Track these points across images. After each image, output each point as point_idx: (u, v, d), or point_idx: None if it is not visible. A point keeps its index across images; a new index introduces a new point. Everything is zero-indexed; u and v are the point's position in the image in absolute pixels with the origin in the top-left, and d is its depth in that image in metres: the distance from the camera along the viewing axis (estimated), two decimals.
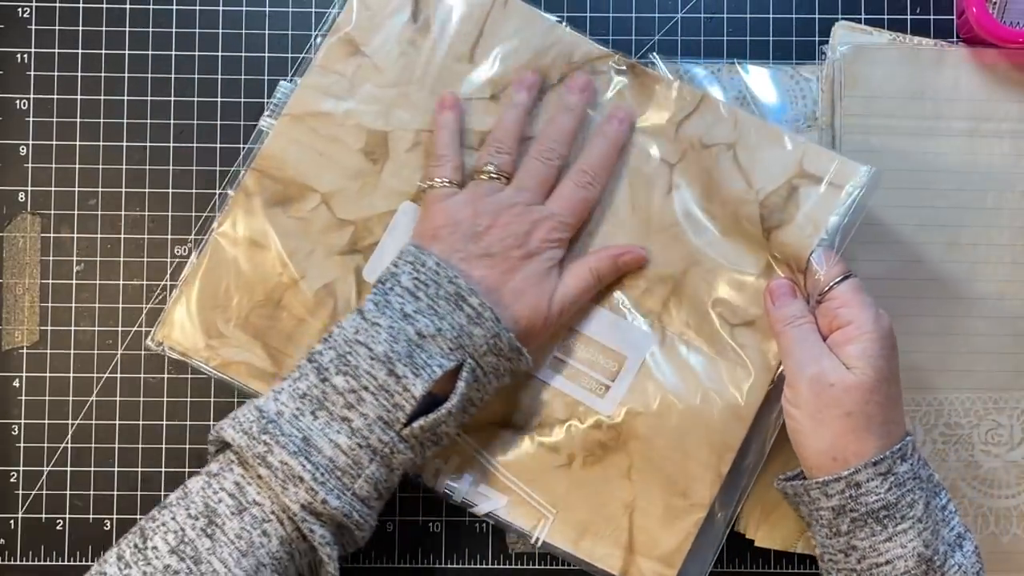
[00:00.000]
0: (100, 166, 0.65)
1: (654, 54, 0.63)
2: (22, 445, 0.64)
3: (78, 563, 0.64)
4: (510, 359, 0.56)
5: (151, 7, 0.66)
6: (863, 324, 0.54)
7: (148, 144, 0.65)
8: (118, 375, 0.65)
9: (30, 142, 0.65)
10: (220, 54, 0.65)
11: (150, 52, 0.66)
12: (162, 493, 0.64)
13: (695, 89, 0.61)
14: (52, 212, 0.65)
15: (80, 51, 0.66)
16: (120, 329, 0.65)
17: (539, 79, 0.61)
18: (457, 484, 0.59)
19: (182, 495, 0.51)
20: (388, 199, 0.61)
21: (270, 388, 0.53)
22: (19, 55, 0.66)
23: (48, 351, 0.65)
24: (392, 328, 0.53)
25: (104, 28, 0.66)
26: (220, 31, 0.66)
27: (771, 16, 0.66)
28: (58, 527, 0.64)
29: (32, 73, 0.66)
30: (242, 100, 0.65)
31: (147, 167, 0.65)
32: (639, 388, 0.59)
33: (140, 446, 0.64)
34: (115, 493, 0.64)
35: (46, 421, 0.64)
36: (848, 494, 0.53)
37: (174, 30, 0.66)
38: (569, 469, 0.59)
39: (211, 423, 0.64)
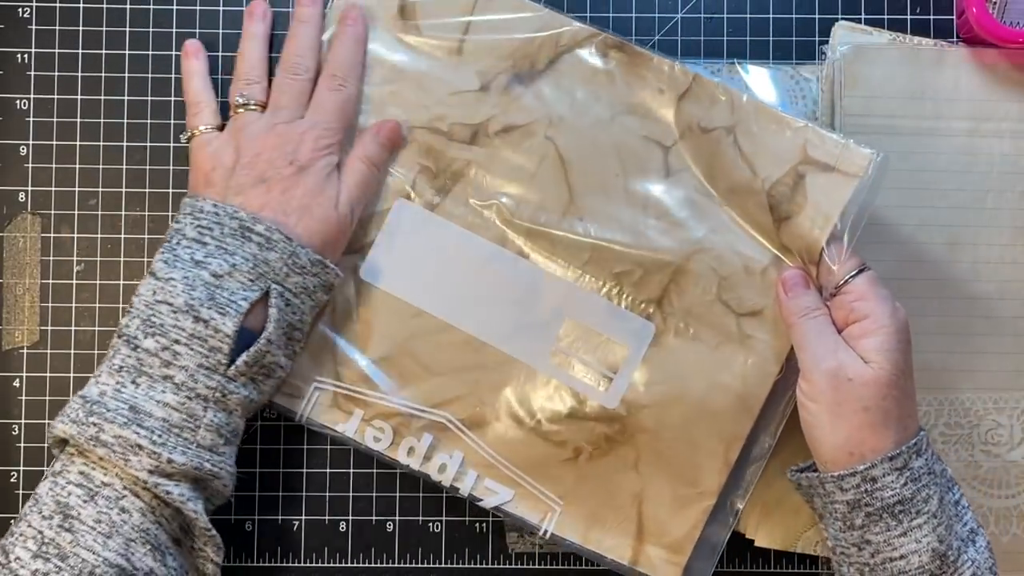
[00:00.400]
0: (100, 166, 0.65)
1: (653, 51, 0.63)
2: (22, 445, 0.64)
3: None
4: (316, 274, 0.57)
5: (151, 7, 0.66)
6: (880, 318, 0.54)
7: (148, 144, 0.65)
8: None
9: (30, 142, 0.65)
10: (220, 54, 0.65)
11: (150, 52, 0.66)
12: None
13: (688, 69, 0.60)
14: (52, 212, 0.65)
15: (80, 51, 0.66)
16: None
17: (267, 6, 0.63)
18: (463, 480, 0.59)
19: (33, 502, 0.52)
20: (382, 198, 0.61)
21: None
22: (19, 55, 0.66)
23: (48, 351, 0.65)
24: (187, 278, 0.54)
25: (104, 28, 0.66)
26: (220, 31, 0.66)
27: (771, 16, 0.66)
28: None
29: (32, 73, 0.66)
30: None
31: (147, 167, 0.65)
32: (642, 380, 0.59)
33: None
34: None
35: (46, 421, 0.64)
36: (864, 488, 0.53)
37: (174, 30, 0.66)
38: (576, 462, 0.60)
39: None
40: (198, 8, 0.66)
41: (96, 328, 0.65)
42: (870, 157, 0.56)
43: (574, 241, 0.60)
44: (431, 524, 0.64)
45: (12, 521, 0.52)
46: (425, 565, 0.64)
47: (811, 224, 0.57)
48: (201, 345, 0.53)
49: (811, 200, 0.57)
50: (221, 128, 0.60)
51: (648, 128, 0.60)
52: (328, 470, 0.64)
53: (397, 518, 0.64)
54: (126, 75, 0.66)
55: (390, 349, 0.61)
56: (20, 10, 0.66)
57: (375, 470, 0.64)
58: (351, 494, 0.64)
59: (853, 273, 0.56)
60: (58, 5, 0.66)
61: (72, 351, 0.65)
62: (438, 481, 0.60)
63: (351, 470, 0.64)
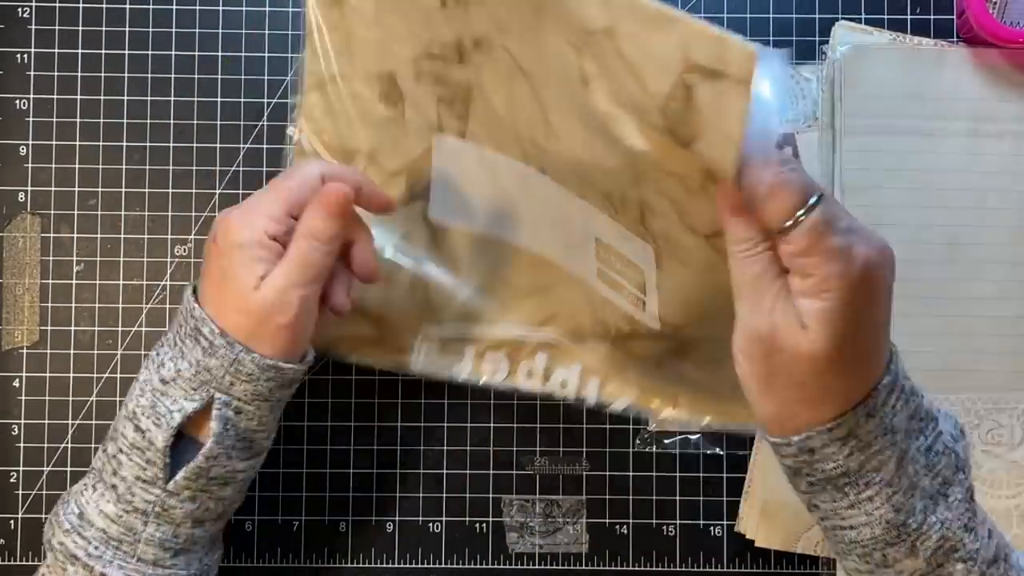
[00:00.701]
0: (100, 166, 0.65)
1: None
2: (22, 445, 0.64)
3: None
4: (271, 378, 0.51)
5: (151, 7, 0.66)
6: (826, 279, 0.42)
7: (148, 144, 0.65)
8: (118, 375, 0.65)
9: (30, 142, 0.65)
10: (220, 54, 0.65)
11: (150, 52, 0.66)
12: None
13: None
14: (52, 212, 0.65)
15: (80, 51, 0.66)
16: (120, 329, 0.65)
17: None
18: (587, 390, 0.61)
19: None
20: (419, 137, 0.60)
21: None
22: (19, 55, 0.66)
23: (48, 351, 0.65)
24: (143, 381, 0.52)
25: (104, 28, 0.66)
26: (220, 31, 0.66)
27: (771, 16, 0.66)
28: None
29: (32, 73, 0.65)
30: (242, 100, 0.65)
31: (147, 167, 0.65)
32: (663, 302, 0.55)
33: None
34: None
35: (46, 421, 0.64)
36: (802, 459, 0.45)
37: (174, 30, 0.66)
38: (663, 368, 0.60)
39: None
40: (198, 8, 0.66)
41: (96, 328, 0.65)
42: (752, 53, 0.40)
43: (564, 161, 0.53)
44: (431, 524, 0.64)
45: None
46: (425, 565, 0.64)
47: (714, 150, 0.43)
48: (139, 456, 0.50)
49: (706, 118, 0.43)
50: None
51: (563, 29, 0.47)
52: (328, 470, 0.64)
53: (397, 518, 0.64)
54: (126, 75, 0.66)
55: (481, 280, 0.61)
56: (20, 10, 0.66)
57: (375, 470, 0.64)
58: (351, 494, 0.64)
59: (793, 220, 0.42)
60: (58, 5, 0.66)
61: (72, 351, 0.65)
62: (563, 397, 0.61)
63: (351, 470, 0.64)
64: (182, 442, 0.51)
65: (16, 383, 0.65)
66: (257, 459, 0.54)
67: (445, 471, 0.64)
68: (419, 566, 0.64)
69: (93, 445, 0.64)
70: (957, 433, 0.47)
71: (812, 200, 0.42)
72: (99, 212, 0.65)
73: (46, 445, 0.64)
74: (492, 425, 0.64)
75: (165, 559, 0.51)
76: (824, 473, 0.45)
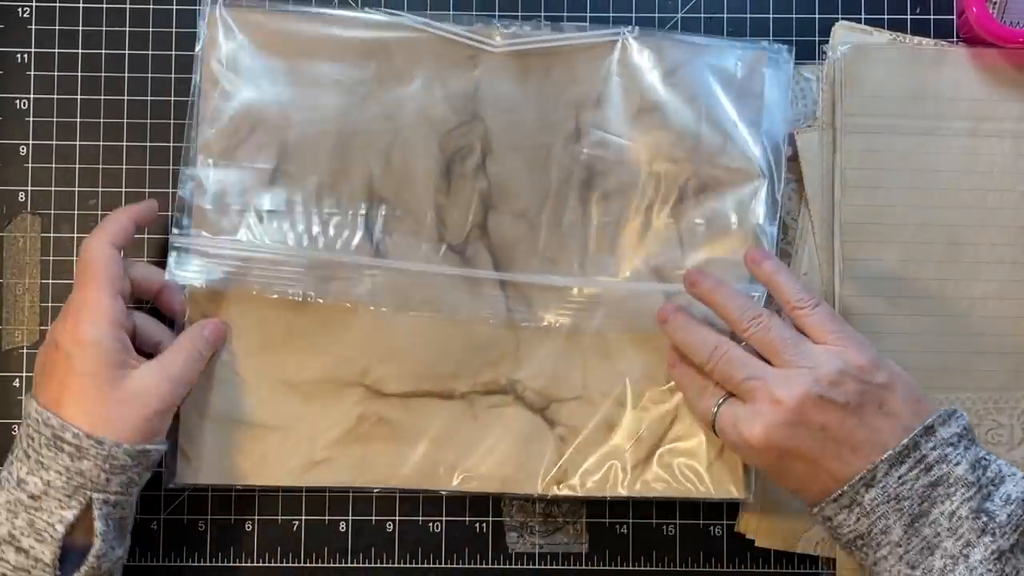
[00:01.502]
0: (100, 166, 0.65)
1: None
2: None
3: None
4: (140, 462, 0.54)
5: (151, 7, 0.66)
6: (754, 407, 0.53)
7: (148, 144, 0.65)
8: None
9: (30, 142, 0.65)
10: None
11: (150, 52, 0.66)
12: (161, 492, 0.64)
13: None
14: (52, 212, 0.65)
15: (80, 51, 0.66)
16: None
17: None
18: None
19: None
20: None
21: None
22: (19, 55, 0.66)
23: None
24: (9, 502, 0.52)
25: (104, 28, 0.66)
26: None
27: (771, 16, 0.65)
28: None
29: (32, 73, 0.65)
30: None
31: (147, 167, 0.65)
32: None
33: None
34: (236, 485, 0.64)
35: None
36: (826, 525, 0.53)
37: (174, 30, 0.66)
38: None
39: None
40: (198, 8, 0.66)
41: None
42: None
43: None
44: (431, 524, 0.64)
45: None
46: (425, 565, 0.64)
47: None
48: None
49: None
50: None
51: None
52: None
53: (397, 518, 0.64)
54: (126, 75, 0.66)
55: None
56: (20, 10, 0.66)
57: None
58: (351, 494, 0.64)
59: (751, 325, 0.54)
60: (58, 5, 0.66)
61: None
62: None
63: None
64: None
65: (16, 383, 0.65)
66: (128, 539, 0.55)
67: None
68: (419, 566, 0.64)
69: None
70: (1011, 495, 0.50)
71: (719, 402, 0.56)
72: (99, 212, 0.65)
73: None
74: None
75: None
76: (844, 536, 0.52)
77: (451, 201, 0.63)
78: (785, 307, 0.56)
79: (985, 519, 0.49)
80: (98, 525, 0.51)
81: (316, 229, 0.63)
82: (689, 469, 0.62)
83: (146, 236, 0.65)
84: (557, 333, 0.63)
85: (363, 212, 0.63)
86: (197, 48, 0.63)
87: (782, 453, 0.52)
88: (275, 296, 0.62)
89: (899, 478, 0.50)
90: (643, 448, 0.62)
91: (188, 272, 0.62)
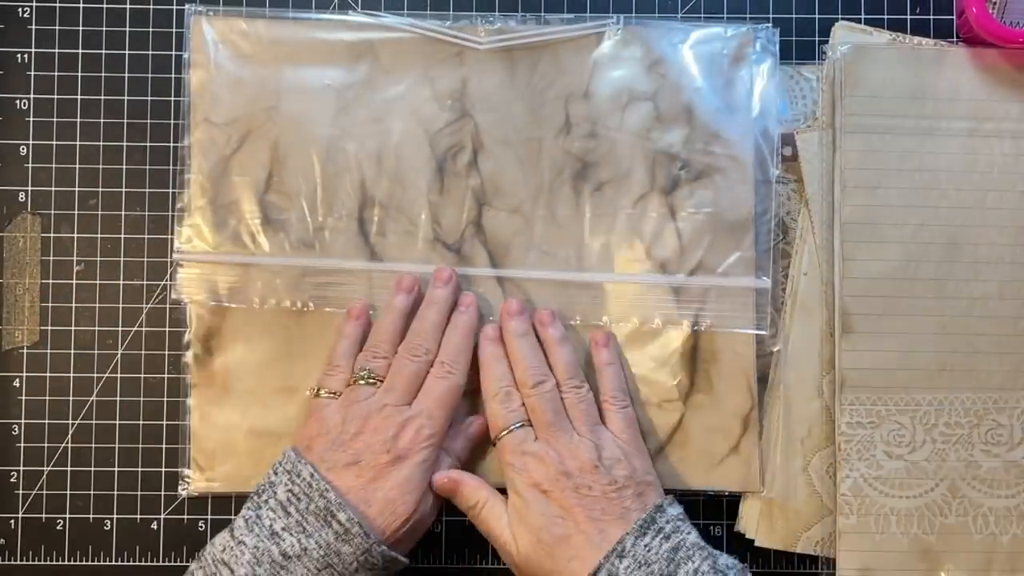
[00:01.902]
0: (100, 166, 0.65)
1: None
2: (22, 445, 0.64)
3: (78, 563, 0.64)
4: (385, 568, 0.56)
5: (151, 7, 0.66)
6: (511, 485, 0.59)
7: (148, 144, 0.65)
8: (118, 375, 0.65)
9: (30, 142, 0.65)
10: None
11: (150, 52, 0.66)
12: (162, 493, 0.64)
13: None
14: (52, 212, 0.65)
15: (80, 51, 0.66)
16: (120, 329, 0.65)
17: (417, 282, 0.62)
18: None
19: None
20: None
21: None
22: (19, 55, 0.66)
23: (48, 351, 0.65)
24: (257, 548, 0.53)
25: (104, 28, 0.66)
26: None
27: (771, 16, 0.65)
28: (58, 527, 0.64)
29: (32, 73, 0.65)
30: None
31: (147, 167, 0.65)
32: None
33: (140, 446, 0.64)
34: (115, 493, 0.64)
35: (46, 421, 0.64)
36: None
37: (173, 30, 0.66)
38: None
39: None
40: (184, 15, 0.66)
41: (96, 328, 0.65)
42: None
43: None
44: (431, 524, 0.64)
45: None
46: (425, 565, 0.64)
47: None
48: None
49: None
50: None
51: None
52: None
53: None
54: (126, 75, 0.66)
55: None
56: (20, 10, 0.66)
57: None
58: None
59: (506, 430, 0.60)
60: (58, 5, 0.66)
61: (72, 351, 0.65)
62: None
63: None
64: None
65: (16, 383, 0.65)
66: None
67: None
68: (419, 566, 0.64)
69: (93, 445, 0.64)
70: (732, 561, 0.56)
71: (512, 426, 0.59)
72: (99, 212, 0.65)
73: (46, 445, 0.64)
74: None
75: None
76: None
77: (444, 200, 0.63)
78: (602, 395, 0.61)
79: (722, 574, 0.55)
80: None
81: (312, 235, 0.63)
82: (701, 463, 0.62)
83: (146, 236, 0.65)
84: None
85: (357, 215, 0.63)
86: (184, 57, 0.63)
87: (546, 495, 0.57)
88: (276, 305, 0.63)
89: (645, 546, 0.55)
90: (652, 443, 0.62)
91: (193, 288, 0.63)
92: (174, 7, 0.66)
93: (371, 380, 0.60)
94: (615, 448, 0.58)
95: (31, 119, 0.65)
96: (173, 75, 0.65)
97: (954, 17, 0.65)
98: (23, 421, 0.64)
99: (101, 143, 0.65)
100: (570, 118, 0.64)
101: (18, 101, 0.66)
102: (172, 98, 0.65)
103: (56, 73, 0.66)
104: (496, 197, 0.63)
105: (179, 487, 0.63)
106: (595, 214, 0.63)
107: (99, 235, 0.65)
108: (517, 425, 0.59)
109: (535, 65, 0.64)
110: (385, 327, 0.61)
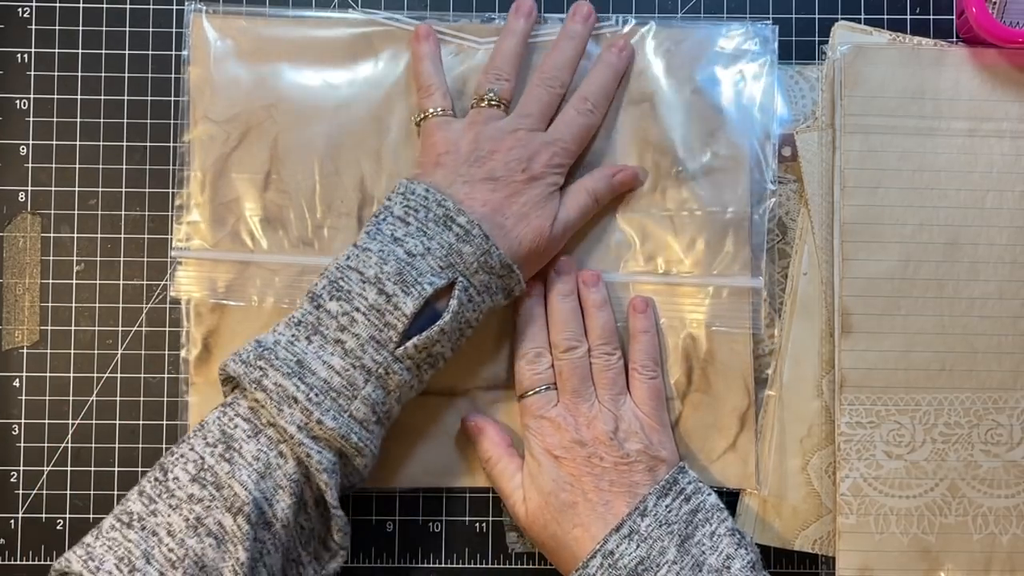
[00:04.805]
0: (100, 166, 0.65)
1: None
2: (22, 445, 0.64)
3: None
4: (502, 276, 0.57)
5: (151, 7, 0.66)
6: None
7: (148, 144, 0.65)
8: (118, 375, 0.65)
9: (30, 142, 0.65)
10: None
11: (150, 52, 0.66)
12: None
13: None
14: (52, 212, 0.65)
15: (80, 51, 0.66)
16: (120, 329, 0.65)
17: (534, 7, 0.63)
18: None
19: (199, 427, 0.53)
20: None
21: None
22: (19, 55, 0.66)
23: (48, 351, 0.65)
24: (382, 251, 0.54)
25: (104, 28, 0.66)
26: None
27: (771, 16, 0.65)
28: (58, 527, 0.64)
29: (32, 73, 0.65)
30: None
31: (147, 167, 0.65)
32: None
33: (140, 446, 0.64)
34: (115, 493, 0.64)
35: (46, 421, 0.64)
36: (606, 565, 0.54)
37: (173, 30, 0.66)
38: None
39: None
40: (184, 15, 0.66)
41: (96, 328, 0.65)
42: None
43: None
44: (431, 524, 0.64)
45: (172, 445, 0.53)
46: (425, 565, 0.64)
47: None
48: (378, 318, 0.53)
49: None
50: (452, 111, 0.61)
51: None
52: None
53: (397, 518, 0.64)
54: (126, 75, 0.66)
55: None
56: (20, 10, 0.66)
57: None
58: (351, 494, 0.64)
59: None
60: (58, 5, 0.66)
61: (72, 351, 0.65)
62: None
63: None
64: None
65: (16, 383, 0.65)
66: (442, 364, 0.57)
67: None
68: (419, 566, 0.64)
69: (93, 445, 0.64)
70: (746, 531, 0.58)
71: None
72: (99, 212, 0.65)
73: (46, 445, 0.64)
74: None
75: (370, 422, 0.54)
76: (626, 567, 0.54)
77: None
78: (631, 362, 0.61)
79: (739, 536, 0.55)
80: (453, 303, 0.54)
81: (311, 233, 0.63)
82: (698, 461, 0.62)
83: (146, 236, 0.65)
84: None
85: (356, 213, 0.63)
86: (184, 55, 0.63)
87: (558, 461, 0.58)
88: (274, 303, 0.63)
89: (666, 507, 0.56)
90: None
91: (191, 286, 0.63)
92: (174, 7, 0.66)
93: (496, 103, 0.60)
94: (633, 420, 0.59)
95: (31, 119, 0.65)
96: (173, 75, 0.65)
97: (954, 17, 0.65)
98: (23, 421, 0.64)
99: (101, 143, 0.65)
100: None
101: (18, 101, 0.66)
102: (172, 98, 0.65)
103: (56, 73, 0.65)
104: None
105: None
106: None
107: (99, 235, 0.65)
108: (543, 388, 0.60)
109: (535, 64, 0.64)
110: (506, 49, 0.62)
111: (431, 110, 0.61)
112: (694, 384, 0.63)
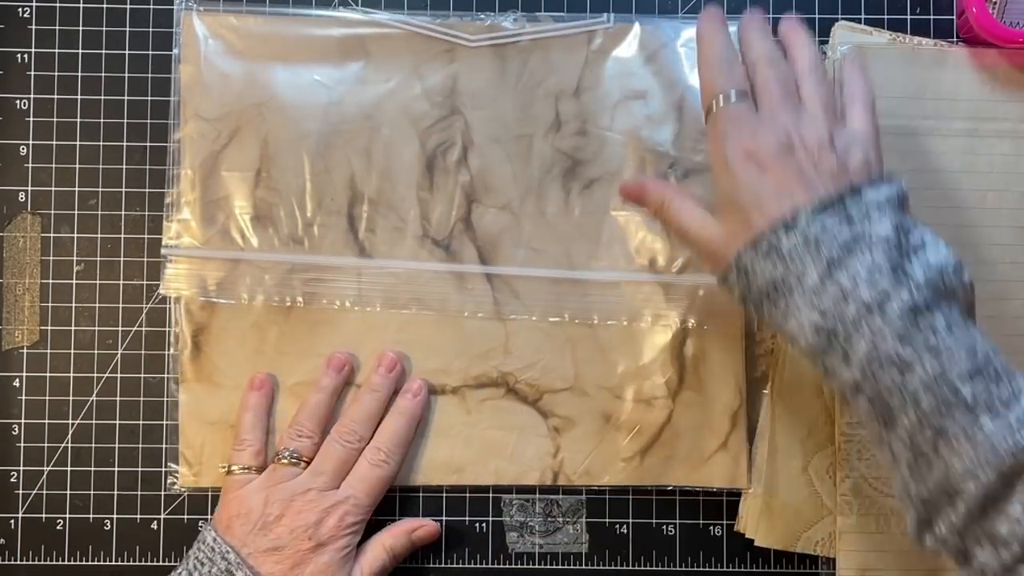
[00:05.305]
0: (100, 166, 0.65)
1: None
2: (22, 445, 0.64)
3: (78, 563, 0.64)
4: None
5: (151, 7, 0.66)
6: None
7: (148, 144, 0.65)
8: (118, 375, 0.65)
9: (30, 142, 0.65)
10: None
11: (150, 52, 0.66)
12: (162, 493, 0.64)
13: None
14: (52, 212, 0.65)
15: (80, 51, 0.66)
16: (120, 329, 0.65)
17: (348, 362, 0.62)
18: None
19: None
20: None
21: None
22: (19, 55, 0.66)
23: (48, 351, 0.65)
24: None
25: (104, 28, 0.66)
26: None
27: (771, 16, 0.65)
28: (58, 527, 0.64)
29: (32, 73, 0.65)
30: None
31: (147, 167, 0.65)
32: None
33: (140, 446, 0.64)
34: (115, 493, 0.64)
35: (46, 421, 0.64)
36: (742, 282, 0.50)
37: (173, 30, 0.66)
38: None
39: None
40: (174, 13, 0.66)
41: (96, 328, 0.65)
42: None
43: None
44: None
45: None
46: (426, 565, 0.64)
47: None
48: None
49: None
50: (259, 469, 0.60)
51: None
52: None
53: (397, 518, 0.64)
54: (126, 75, 0.66)
55: None
56: (20, 10, 0.66)
57: None
58: None
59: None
60: (58, 5, 0.66)
61: (72, 351, 0.65)
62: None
63: None
64: None
65: (16, 383, 0.65)
66: None
67: None
68: (419, 566, 0.64)
69: (93, 445, 0.64)
70: (948, 262, 0.48)
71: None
72: (99, 212, 0.65)
73: (46, 445, 0.64)
74: None
75: None
76: (757, 287, 0.49)
77: (434, 196, 0.63)
78: (793, 64, 0.54)
79: (903, 275, 0.47)
80: None
81: (301, 231, 0.63)
82: (690, 460, 0.62)
83: (146, 236, 0.65)
84: (547, 324, 0.63)
85: (346, 212, 0.63)
86: (174, 53, 0.64)
87: (763, 170, 0.50)
88: (264, 301, 0.63)
89: (821, 226, 0.48)
90: (641, 439, 0.62)
91: (181, 284, 0.63)
92: (174, 7, 0.66)
93: (294, 461, 0.59)
94: (854, 135, 0.52)
95: (31, 119, 0.65)
96: (173, 75, 0.65)
97: (954, 17, 0.65)
98: (23, 421, 0.64)
99: (101, 143, 0.65)
100: (560, 116, 0.64)
101: (18, 101, 0.66)
102: (172, 98, 0.65)
103: (56, 73, 0.65)
104: (485, 194, 0.64)
105: (168, 483, 0.63)
106: (584, 212, 0.63)
107: (99, 235, 0.65)
108: (738, 93, 0.52)
109: (525, 62, 0.64)
110: (312, 406, 0.61)
111: (235, 467, 0.60)
112: (686, 383, 0.63)
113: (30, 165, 0.65)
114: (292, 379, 0.63)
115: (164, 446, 0.64)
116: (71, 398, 0.65)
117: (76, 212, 0.65)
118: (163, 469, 0.64)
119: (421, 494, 0.64)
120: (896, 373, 0.46)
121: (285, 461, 0.59)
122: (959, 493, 0.45)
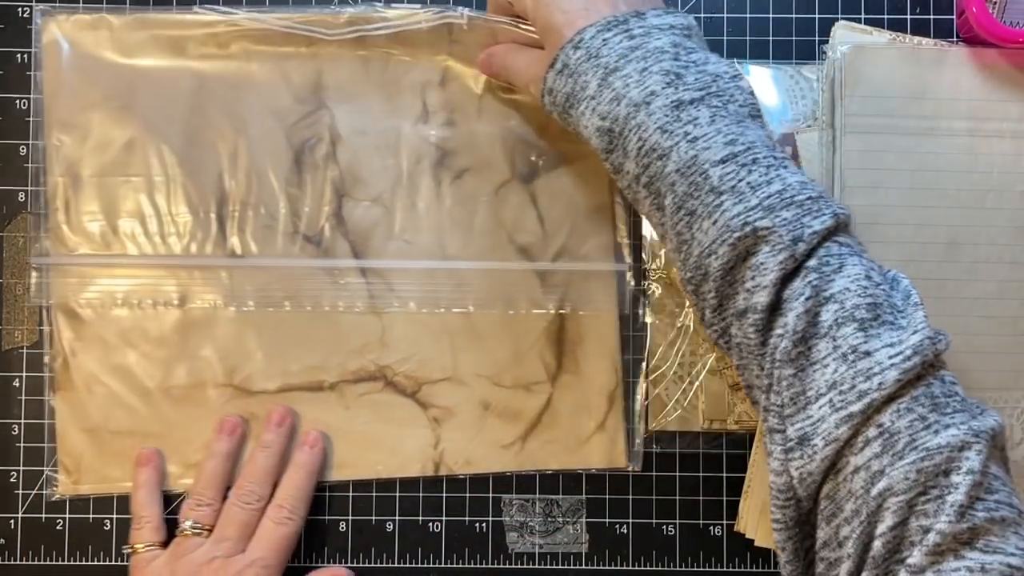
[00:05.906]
0: None
1: None
2: (22, 445, 0.64)
3: (78, 563, 0.64)
4: None
5: (151, 7, 0.66)
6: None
7: None
8: None
9: (30, 142, 0.65)
10: None
11: None
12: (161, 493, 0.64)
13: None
14: None
15: None
16: None
17: (240, 424, 0.62)
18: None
19: None
20: None
21: None
22: (19, 55, 0.66)
23: (48, 351, 0.65)
24: None
25: None
26: None
27: (771, 16, 0.65)
28: (58, 527, 0.64)
29: (32, 73, 0.65)
30: None
31: None
32: None
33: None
34: (115, 493, 0.64)
35: (46, 421, 0.64)
36: (549, 100, 0.55)
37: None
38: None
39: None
40: (196, 8, 0.65)
41: None
42: None
43: None
44: (431, 524, 0.64)
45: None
46: (425, 565, 0.64)
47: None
48: None
49: None
50: (163, 544, 0.60)
51: None
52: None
53: (397, 518, 0.64)
54: None
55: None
56: (20, 10, 0.66)
57: None
58: (351, 494, 0.64)
59: None
60: (58, 5, 0.66)
61: None
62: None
63: None
64: None
65: (16, 383, 0.65)
66: None
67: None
68: (419, 566, 0.64)
69: None
70: (725, 71, 0.52)
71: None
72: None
73: (46, 445, 0.64)
74: None
75: None
76: (559, 104, 0.54)
77: (303, 192, 0.64)
78: None
79: (673, 77, 0.51)
80: None
81: (171, 233, 0.63)
82: (570, 442, 0.63)
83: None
84: (423, 316, 0.63)
85: (215, 211, 0.63)
86: (34, 54, 0.64)
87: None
88: (137, 305, 0.63)
89: (603, 40, 0.53)
90: (521, 424, 0.63)
91: (50, 292, 0.63)
92: (174, 7, 0.66)
93: (198, 531, 0.59)
94: None
95: (31, 119, 0.65)
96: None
97: (954, 17, 0.65)
98: (23, 421, 0.64)
99: None
100: (427, 106, 0.64)
101: (18, 101, 0.65)
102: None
103: None
104: (356, 188, 0.64)
105: (47, 490, 0.63)
106: (456, 202, 0.64)
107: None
108: None
109: (390, 54, 0.64)
110: (208, 473, 0.61)
111: (139, 545, 0.60)
112: (564, 367, 0.64)
113: (30, 165, 0.65)
114: (169, 382, 0.63)
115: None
116: None
117: None
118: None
119: (421, 494, 0.64)
120: (658, 160, 0.50)
121: (188, 532, 0.59)
122: (708, 274, 0.49)
